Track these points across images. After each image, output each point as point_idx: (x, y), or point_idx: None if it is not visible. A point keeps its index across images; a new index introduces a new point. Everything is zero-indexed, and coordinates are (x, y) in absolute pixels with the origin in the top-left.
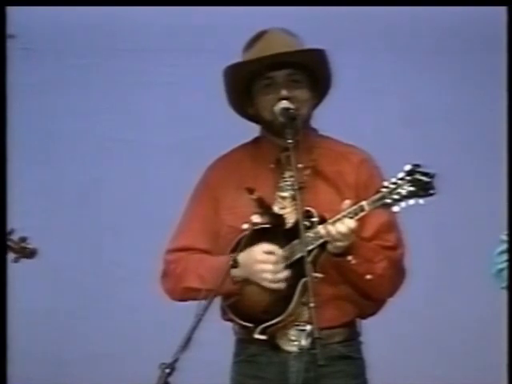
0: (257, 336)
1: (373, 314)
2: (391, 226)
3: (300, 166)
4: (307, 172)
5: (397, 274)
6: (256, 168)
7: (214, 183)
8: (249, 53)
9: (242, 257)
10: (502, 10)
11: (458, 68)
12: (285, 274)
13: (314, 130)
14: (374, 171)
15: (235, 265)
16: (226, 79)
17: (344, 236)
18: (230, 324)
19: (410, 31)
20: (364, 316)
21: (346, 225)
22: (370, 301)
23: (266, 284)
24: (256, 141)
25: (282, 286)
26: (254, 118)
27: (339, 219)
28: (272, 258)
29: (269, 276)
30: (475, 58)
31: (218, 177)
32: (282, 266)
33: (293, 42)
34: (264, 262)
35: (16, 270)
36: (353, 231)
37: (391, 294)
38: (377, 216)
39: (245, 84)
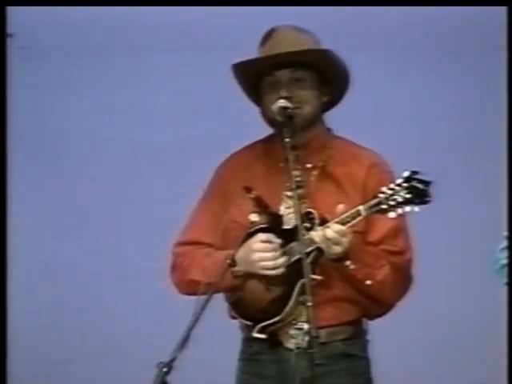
0: (255, 335)
1: (380, 315)
2: (399, 230)
3: (308, 165)
4: (315, 172)
5: (402, 280)
6: (266, 166)
7: (225, 179)
8: (261, 50)
9: (239, 252)
10: (502, 10)
11: (457, 68)
12: (284, 259)
13: (329, 130)
14: (385, 176)
15: (233, 264)
16: (235, 77)
17: (333, 241)
18: (228, 322)
19: (410, 31)
20: (370, 317)
21: (333, 230)
22: (375, 303)
23: (266, 272)
24: (268, 139)
25: (281, 271)
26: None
27: (329, 224)
28: (269, 245)
29: (268, 263)
30: (475, 58)
31: (229, 173)
32: (279, 252)
33: (301, 39)
34: (262, 251)
35: (16, 269)
36: (342, 236)
37: (397, 298)
38: (385, 220)
39: (253, 82)
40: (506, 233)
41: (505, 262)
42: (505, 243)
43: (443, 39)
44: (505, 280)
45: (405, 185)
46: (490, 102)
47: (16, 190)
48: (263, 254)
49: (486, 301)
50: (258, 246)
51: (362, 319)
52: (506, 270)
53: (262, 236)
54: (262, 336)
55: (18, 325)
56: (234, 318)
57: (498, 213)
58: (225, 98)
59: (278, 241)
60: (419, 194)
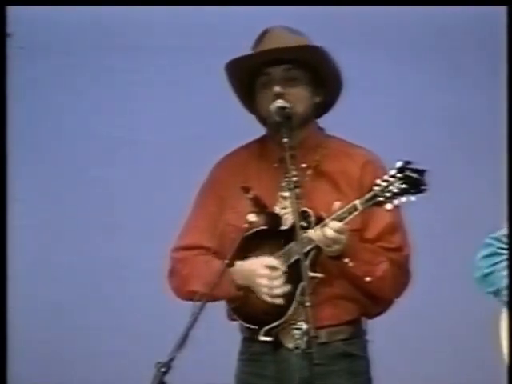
0: (262, 338)
1: (379, 313)
2: (396, 227)
3: (303, 165)
4: (309, 172)
5: (401, 276)
6: (260, 167)
7: (220, 181)
8: (255, 50)
9: (242, 264)
10: (502, 10)
11: (457, 68)
12: (283, 289)
13: (321, 130)
14: (379, 172)
15: (231, 264)
16: (227, 76)
17: (332, 239)
18: (226, 322)
19: (409, 31)
20: (369, 315)
21: (332, 228)
22: (374, 301)
23: (264, 297)
24: (261, 139)
25: (279, 301)
26: (257, 117)
27: (327, 223)
28: (272, 274)
29: (267, 291)
30: (475, 58)
31: (224, 175)
32: (280, 281)
33: (294, 39)
34: (263, 277)
35: (16, 269)
36: (340, 233)
37: (396, 295)
38: (381, 217)
39: (246, 82)
40: (489, 240)
41: (487, 270)
42: (487, 251)
43: (443, 39)
44: (490, 289)
45: (399, 175)
46: (489, 101)
47: (16, 189)
48: (264, 280)
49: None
50: (261, 271)
51: (362, 319)
52: (489, 278)
53: (266, 260)
54: (269, 339)
55: (18, 325)
56: (233, 320)
57: (496, 211)
58: (224, 98)
59: (282, 268)
60: (414, 183)
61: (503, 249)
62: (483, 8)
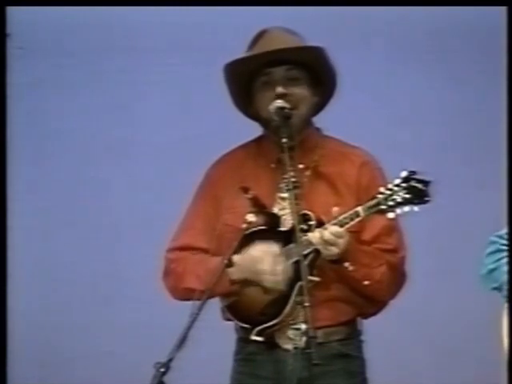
0: (254, 337)
1: (374, 314)
2: (392, 228)
3: (301, 166)
4: (308, 173)
5: (397, 278)
6: (257, 167)
7: (216, 182)
8: (250, 51)
9: (238, 258)
10: (502, 10)
11: (457, 68)
12: (283, 267)
13: (318, 130)
14: (376, 173)
15: (230, 264)
16: (225, 77)
17: (331, 243)
18: (225, 323)
19: (409, 31)
20: (364, 316)
21: (330, 231)
22: (371, 302)
23: (267, 280)
24: (259, 140)
25: (282, 278)
26: (254, 118)
27: (327, 227)
28: (268, 255)
29: (268, 273)
30: (475, 58)
31: (220, 175)
32: (279, 260)
33: (292, 40)
34: (262, 261)
35: (16, 269)
36: (339, 237)
37: (392, 296)
38: (378, 219)
39: (244, 82)
40: (493, 238)
41: (491, 266)
42: (492, 248)
43: (443, 39)
44: (495, 284)
45: (403, 185)
46: (489, 102)
47: (16, 190)
48: (263, 264)
49: (481, 300)
50: (258, 255)
51: (357, 319)
52: (494, 274)
53: (260, 246)
54: (260, 339)
55: (18, 325)
56: (228, 319)
57: (495, 212)
58: (224, 99)
59: (278, 249)
60: (418, 193)
61: (505, 245)
62: (483, 8)
